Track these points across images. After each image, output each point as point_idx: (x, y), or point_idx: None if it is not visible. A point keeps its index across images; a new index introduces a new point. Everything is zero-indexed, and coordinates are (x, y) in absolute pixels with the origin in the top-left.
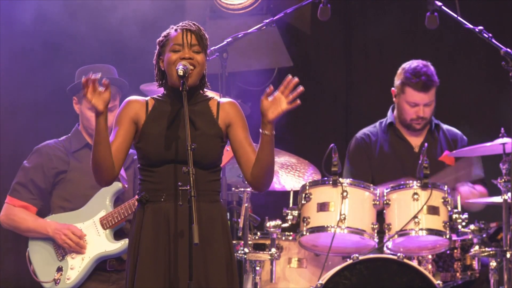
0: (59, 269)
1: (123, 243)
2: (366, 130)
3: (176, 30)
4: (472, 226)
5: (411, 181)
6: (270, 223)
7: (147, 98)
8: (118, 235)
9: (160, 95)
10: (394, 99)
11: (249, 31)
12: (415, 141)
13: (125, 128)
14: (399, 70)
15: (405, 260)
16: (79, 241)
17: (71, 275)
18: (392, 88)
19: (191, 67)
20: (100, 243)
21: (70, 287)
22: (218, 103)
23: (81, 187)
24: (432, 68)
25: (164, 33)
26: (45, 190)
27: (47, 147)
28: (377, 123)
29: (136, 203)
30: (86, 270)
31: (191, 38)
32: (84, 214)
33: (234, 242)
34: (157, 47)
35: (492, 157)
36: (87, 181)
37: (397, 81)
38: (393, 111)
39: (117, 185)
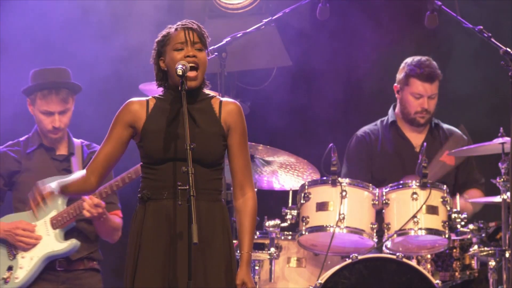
0: (10, 268)
1: (69, 243)
2: (366, 128)
3: (176, 29)
4: (471, 226)
5: (410, 181)
6: (269, 223)
7: (148, 98)
8: (72, 236)
9: (161, 94)
10: (396, 95)
11: (248, 30)
12: (416, 140)
13: (117, 135)
14: (402, 65)
15: (404, 260)
16: (32, 235)
17: (20, 275)
18: (395, 84)
19: (192, 65)
20: (48, 242)
21: (18, 287)
22: (221, 102)
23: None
24: (434, 62)
25: (163, 33)
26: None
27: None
28: (378, 122)
29: (83, 203)
30: (34, 270)
31: (193, 36)
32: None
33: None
34: (156, 47)
35: (491, 157)
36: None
37: (400, 75)
38: (394, 109)
39: None
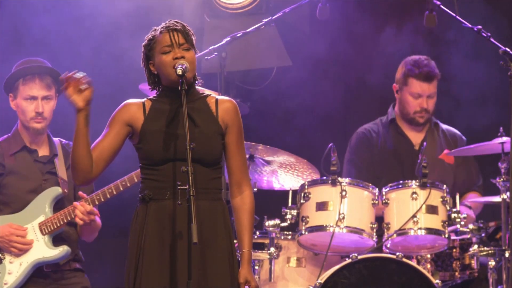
0: None
1: (61, 250)
2: (366, 126)
3: (161, 31)
4: (471, 226)
5: (410, 180)
6: (269, 222)
7: (143, 100)
8: (56, 240)
9: (155, 96)
10: (395, 94)
11: (248, 30)
12: (416, 139)
13: (116, 130)
14: (400, 65)
15: (404, 259)
16: (26, 240)
17: (9, 280)
18: (394, 84)
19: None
20: (38, 248)
21: None
22: (217, 100)
23: (19, 191)
24: (432, 61)
25: (149, 36)
26: None
27: None
28: (377, 120)
29: (75, 210)
30: (24, 276)
31: (179, 37)
32: (22, 218)
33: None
34: (143, 51)
35: (491, 157)
36: (25, 185)
37: (399, 75)
38: (393, 108)
39: (56, 190)
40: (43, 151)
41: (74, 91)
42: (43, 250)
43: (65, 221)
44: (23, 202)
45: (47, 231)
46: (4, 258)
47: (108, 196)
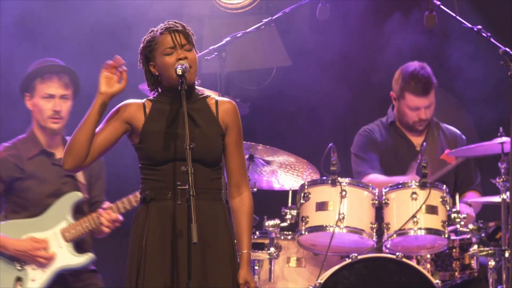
0: (18, 279)
1: (87, 257)
2: (368, 126)
3: (161, 33)
4: (470, 226)
5: (409, 181)
6: (269, 223)
7: (142, 100)
8: (78, 246)
9: (155, 96)
10: (393, 102)
11: (248, 30)
12: (417, 140)
13: (115, 126)
14: (397, 74)
15: (404, 260)
16: (49, 255)
17: (32, 287)
18: (391, 92)
19: (189, 66)
20: (62, 256)
21: None
22: (216, 101)
23: (38, 195)
24: (429, 69)
25: (147, 38)
26: None
27: None
28: (378, 121)
29: (100, 218)
30: (47, 283)
31: (181, 38)
32: (42, 223)
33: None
34: (142, 52)
35: (491, 157)
36: (44, 189)
37: (395, 86)
38: (393, 109)
39: (77, 195)
40: (60, 154)
41: (108, 71)
42: (67, 257)
43: (90, 229)
44: (42, 206)
45: (70, 238)
46: (27, 264)
47: (134, 204)
